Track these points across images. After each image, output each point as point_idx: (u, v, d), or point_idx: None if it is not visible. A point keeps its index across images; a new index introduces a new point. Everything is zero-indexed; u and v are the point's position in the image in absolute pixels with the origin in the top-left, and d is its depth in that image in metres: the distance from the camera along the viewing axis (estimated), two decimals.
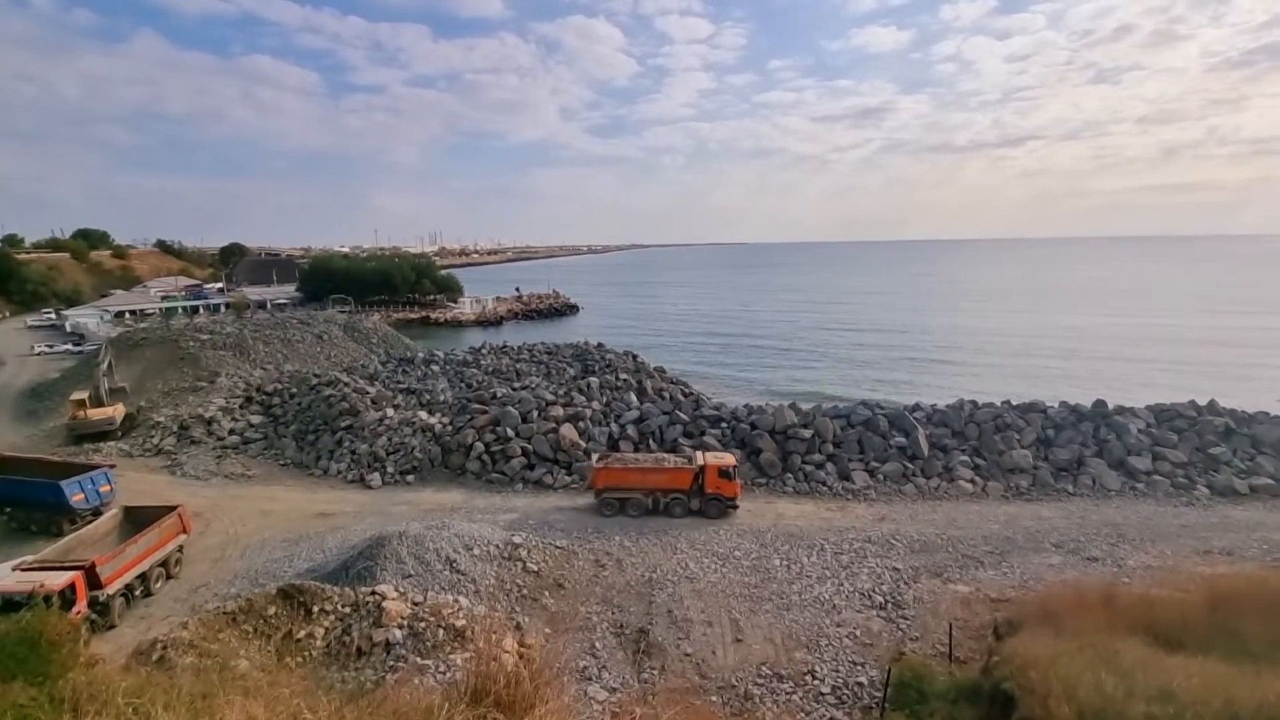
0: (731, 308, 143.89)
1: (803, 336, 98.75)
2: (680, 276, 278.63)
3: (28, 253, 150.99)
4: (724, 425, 38.86)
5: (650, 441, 38.04)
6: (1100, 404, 38.75)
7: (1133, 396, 44.71)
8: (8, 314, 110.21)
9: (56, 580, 20.71)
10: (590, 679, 19.57)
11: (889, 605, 23.35)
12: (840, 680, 19.53)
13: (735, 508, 30.65)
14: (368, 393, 45.02)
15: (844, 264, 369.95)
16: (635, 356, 59.87)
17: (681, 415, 39.56)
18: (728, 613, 22.93)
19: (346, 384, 46.23)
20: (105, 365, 52.79)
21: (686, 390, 49.54)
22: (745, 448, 36.67)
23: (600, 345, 64.05)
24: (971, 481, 34.28)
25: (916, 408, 40.85)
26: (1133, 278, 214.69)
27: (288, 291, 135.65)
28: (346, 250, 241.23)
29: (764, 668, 20.12)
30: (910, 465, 35.27)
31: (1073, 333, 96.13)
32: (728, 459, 31.61)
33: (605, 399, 42.99)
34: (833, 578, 25.16)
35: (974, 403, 40.39)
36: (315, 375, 50.15)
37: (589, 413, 40.02)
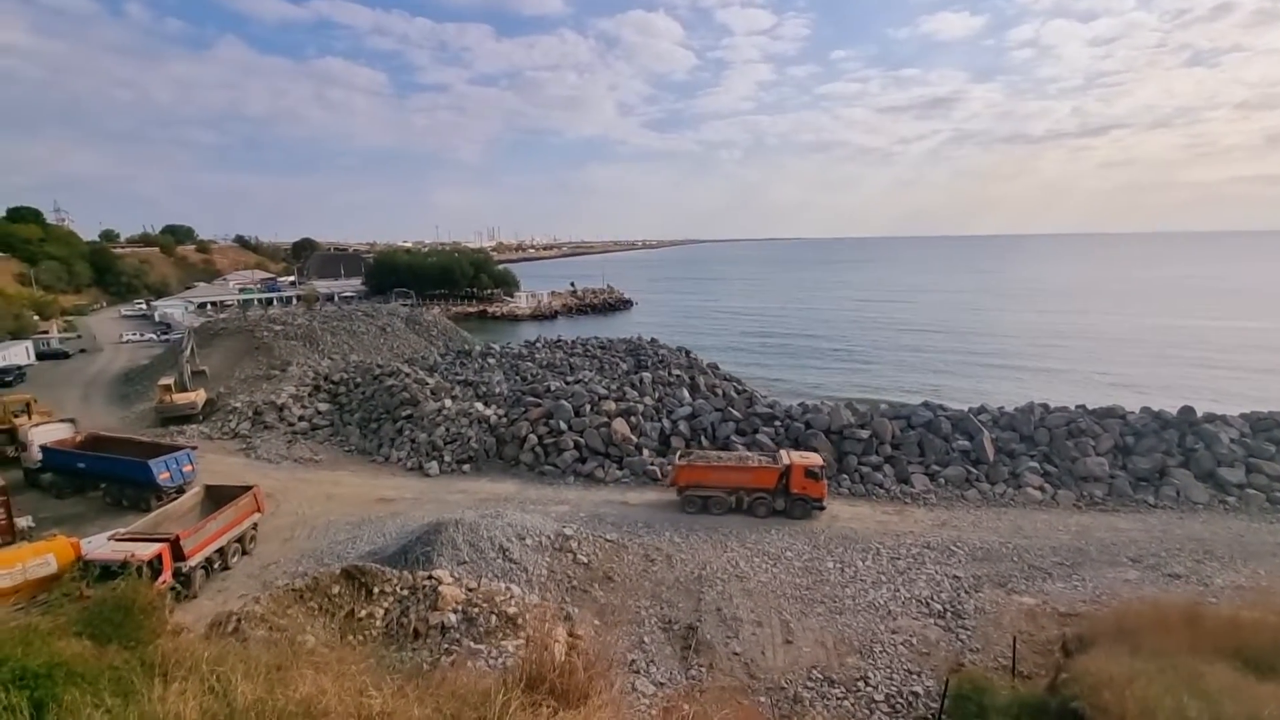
0: (787, 305, 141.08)
1: (861, 335, 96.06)
2: (735, 272, 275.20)
3: (122, 247, 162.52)
4: (777, 424, 38.27)
5: (702, 438, 37.84)
6: (1188, 411, 36.22)
7: (1225, 404, 41.61)
8: (104, 304, 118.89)
9: (145, 551, 22.20)
10: (638, 672, 19.65)
11: (948, 614, 22.53)
12: (894, 689, 18.99)
13: (822, 509, 30.12)
14: (427, 384, 46.43)
15: (906, 260, 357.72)
16: (688, 352, 59.65)
17: (734, 412, 39.18)
18: (778, 613, 22.62)
19: (408, 375, 47.84)
20: (188, 352, 56.30)
21: (740, 387, 49.01)
22: (799, 447, 35.99)
23: (653, 340, 64.11)
24: (1040, 489, 32.65)
25: (982, 410, 39.17)
26: (1228, 276, 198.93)
27: (354, 285, 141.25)
28: (409, 245, 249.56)
29: (815, 671, 19.76)
30: (974, 470, 33.88)
31: (1158, 334, 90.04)
32: (815, 459, 31.02)
33: (658, 394, 42.98)
34: (888, 583, 24.47)
35: (1045, 406, 38.40)
36: (378, 366, 52.08)
37: (641, 408, 40.12)
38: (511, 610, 20.75)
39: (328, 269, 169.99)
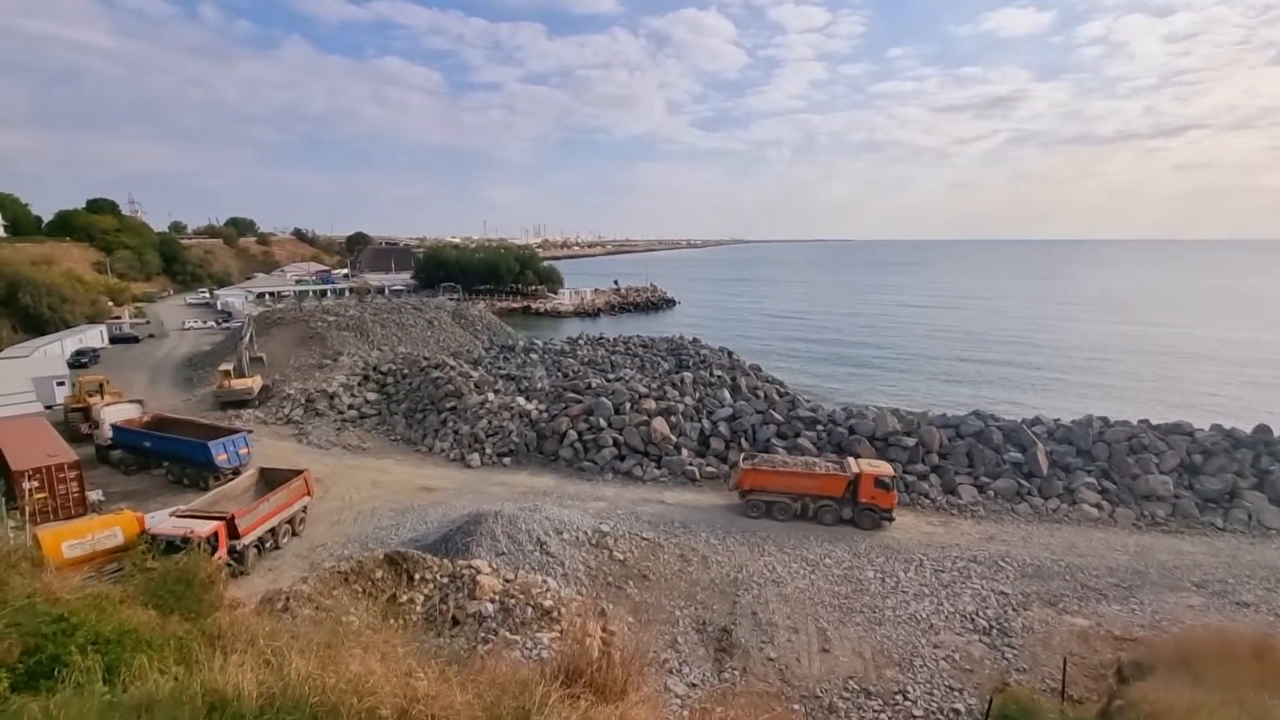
0: (834, 307, 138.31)
1: (909, 341, 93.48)
2: (781, 273, 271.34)
3: (189, 239, 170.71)
4: (820, 428, 37.67)
5: (742, 440, 37.51)
6: (1264, 430, 34.14)
7: None
8: (171, 292, 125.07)
9: (203, 528, 23.28)
10: (671, 672, 19.63)
11: (993, 631, 21.80)
12: (934, 705, 18.47)
13: (891, 520, 29.33)
14: (471, 377, 47.33)
15: (960, 264, 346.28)
16: (730, 353, 59.20)
17: (776, 415, 38.73)
18: (815, 621, 22.28)
19: (453, 367, 48.87)
20: (247, 339, 58.74)
21: (782, 390, 48.37)
22: (841, 453, 35.36)
23: (695, 340, 63.87)
24: (1097, 506, 31.25)
25: (1036, 421, 37.67)
26: None
27: (404, 279, 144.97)
28: (457, 241, 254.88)
29: (851, 682, 19.39)
30: (1025, 483, 32.65)
31: (1232, 348, 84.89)
32: (885, 468, 30.19)
33: (698, 394, 42.81)
34: (931, 596, 23.81)
35: (1105, 420, 36.68)
36: (425, 358, 53.35)
37: (681, 407, 40.04)
38: (547, 603, 20.99)
39: (379, 263, 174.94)
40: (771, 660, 20.36)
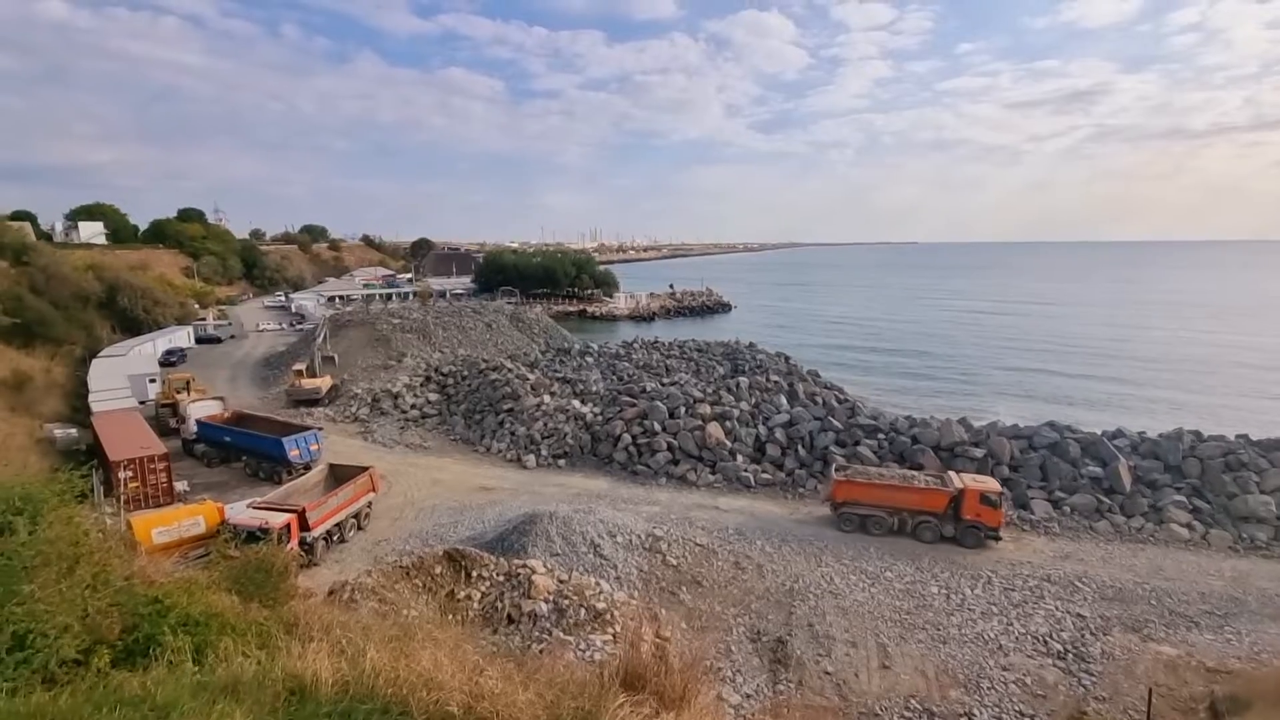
0: (896, 312, 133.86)
1: (977, 348, 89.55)
2: (841, 277, 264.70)
3: (267, 245, 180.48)
4: (881, 436, 36.53)
5: (799, 447, 36.73)
6: None
7: None
8: (251, 295, 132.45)
9: (277, 520, 24.47)
10: (725, 681, 19.36)
11: (1069, 655, 20.58)
12: None
13: (998, 539, 27.87)
14: (528, 379, 48.15)
15: (1034, 267, 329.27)
16: (787, 358, 58.20)
17: (834, 422, 37.80)
18: (875, 635, 21.57)
19: (510, 370, 49.87)
20: (320, 339, 61.55)
21: (841, 396, 47.14)
22: (903, 462, 34.20)
23: (751, 345, 63.10)
24: (1188, 526, 29.10)
25: (1118, 434, 35.40)
26: None
27: (464, 283, 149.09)
28: (516, 245, 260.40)
29: (913, 701, 18.66)
30: (1106, 500, 30.72)
31: None
32: (992, 484, 28.62)
33: (754, 400, 42.23)
34: (1000, 615, 22.69)
35: (1197, 434, 34.15)
36: (484, 360, 54.61)
37: (736, 413, 39.59)
38: (600, 605, 21.08)
39: (441, 267, 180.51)
40: (829, 674, 19.82)
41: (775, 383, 45.28)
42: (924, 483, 29.38)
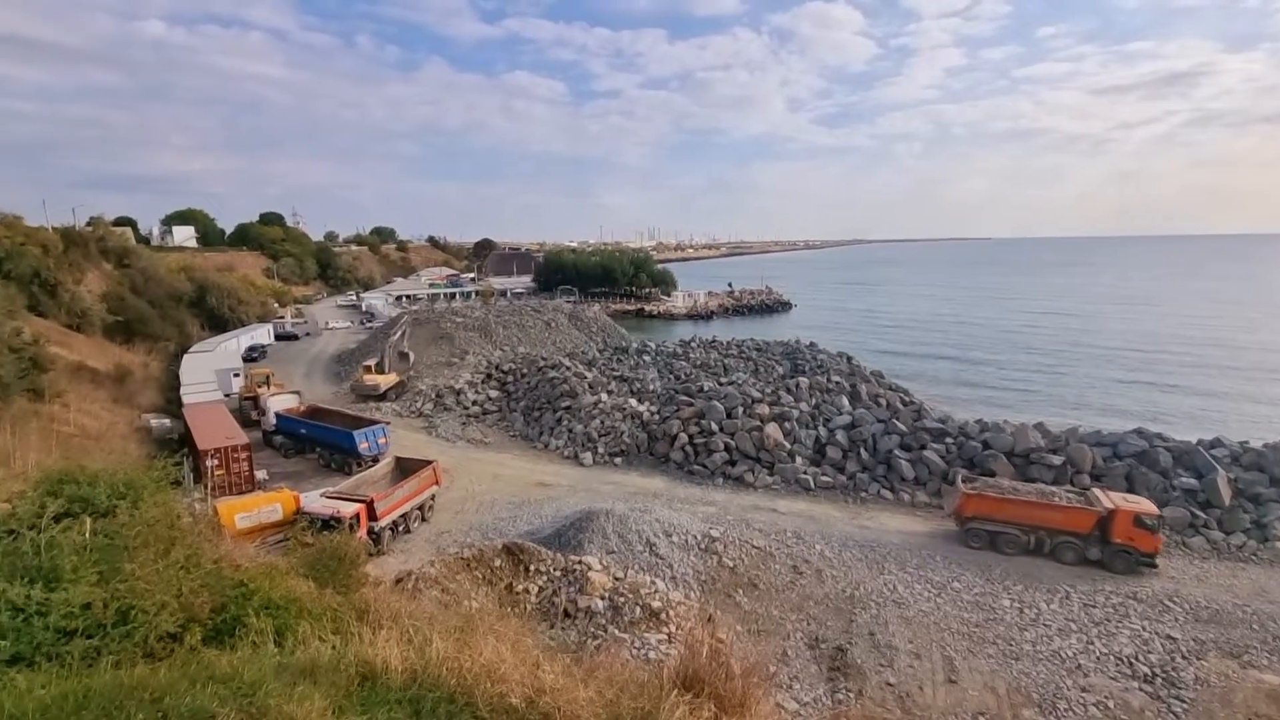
0: (966, 312, 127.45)
1: (1055, 349, 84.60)
2: (907, 275, 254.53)
3: (340, 246, 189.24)
4: (949, 440, 35.08)
5: (861, 450, 35.70)
6: None
7: None
8: (325, 294, 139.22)
9: (348, 509, 25.58)
10: (781, 687, 19.02)
11: (1157, 679, 19.23)
12: None
13: (1154, 567, 25.63)
14: (586, 377, 48.66)
15: (1121, 263, 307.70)
16: (850, 358, 56.72)
17: (899, 425, 36.55)
18: (940, 648, 20.75)
19: (568, 368, 50.52)
20: (397, 336, 63.94)
21: (906, 398, 45.55)
22: (974, 468, 32.75)
23: (812, 345, 61.81)
24: None
25: (1216, 444, 32.76)
26: None
27: (524, 282, 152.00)
28: (574, 245, 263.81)
29: (981, 718, 17.84)
30: (1201, 514, 28.53)
31: None
32: (1148, 506, 26.46)
33: (814, 401, 41.33)
34: (1079, 632, 21.43)
35: None
36: (542, 358, 55.56)
37: (796, 414, 38.84)
38: (655, 604, 21.08)
39: (503, 267, 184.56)
40: (890, 685, 19.20)
41: (837, 383, 44.20)
42: (1066, 500, 27.25)
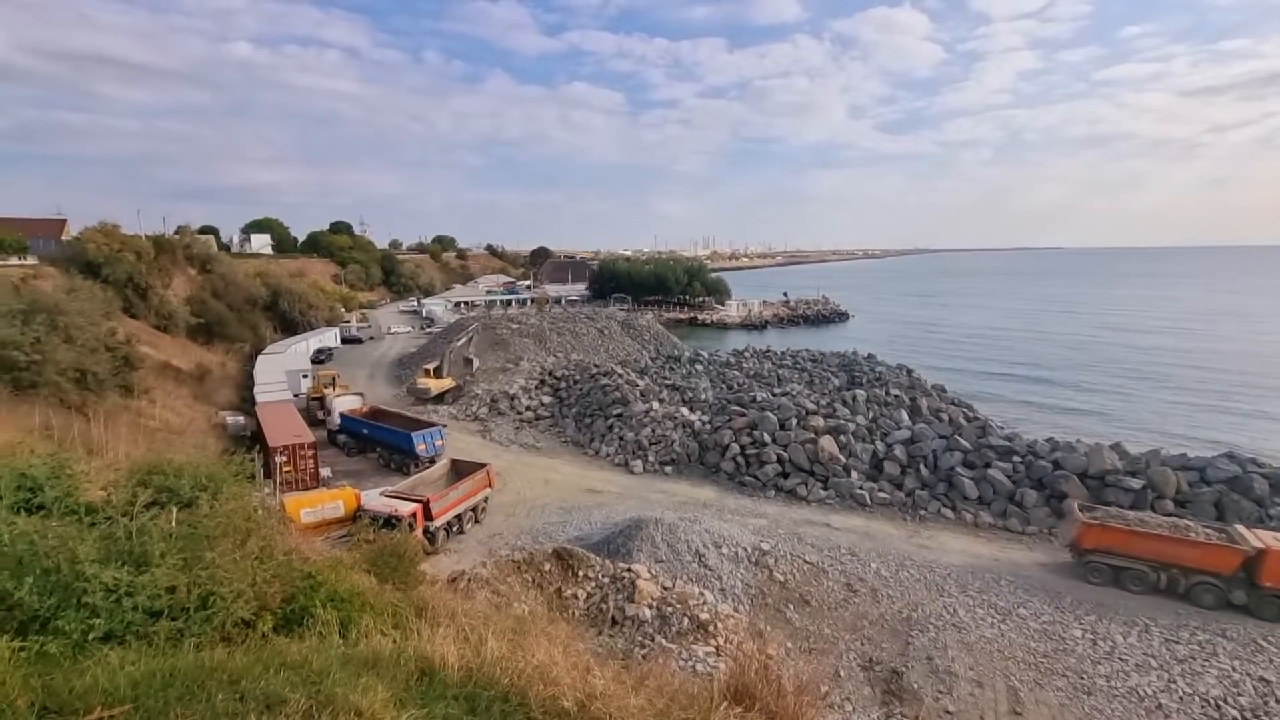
0: (1037, 325, 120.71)
1: (1133, 365, 79.52)
2: (973, 285, 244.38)
3: (403, 254, 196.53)
4: (1016, 459, 33.52)
5: (921, 466, 34.49)
6: None
7: None
8: (388, 300, 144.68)
9: (405, 508, 26.41)
10: (833, 707, 18.49)
11: None
12: None
13: None
14: (638, 385, 48.83)
15: (1211, 275, 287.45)
16: (910, 371, 54.98)
17: (962, 441, 35.16)
18: (1004, 677, 19.76)
19: (620, 375, 50.82)
20: (462, 341, 65.80)
21: (970, 414, 43.75)
22: (1042, 489, 31.18)
23: (870, 356, 60.27)
24: None
25: None
26: None
27: (579, 290, 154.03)
28: (629, 253, 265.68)
29: None
30: None
31: None
32: None
33: (872, 414, 40.23)
34: (1160, 669, 20.02)
35: None
36: (595, 365, 56.06)
37: (852, 427, 37.88)
38: (704, 616, 20.84)
39: (558, 275, 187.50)
40: (949, 714, 18.39)
41: (896, 397, 42.95)
42: (1204, 536, 24.82)
